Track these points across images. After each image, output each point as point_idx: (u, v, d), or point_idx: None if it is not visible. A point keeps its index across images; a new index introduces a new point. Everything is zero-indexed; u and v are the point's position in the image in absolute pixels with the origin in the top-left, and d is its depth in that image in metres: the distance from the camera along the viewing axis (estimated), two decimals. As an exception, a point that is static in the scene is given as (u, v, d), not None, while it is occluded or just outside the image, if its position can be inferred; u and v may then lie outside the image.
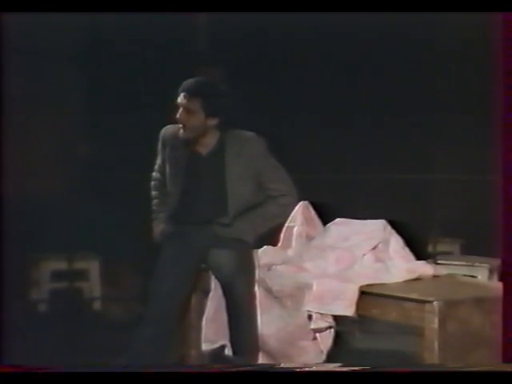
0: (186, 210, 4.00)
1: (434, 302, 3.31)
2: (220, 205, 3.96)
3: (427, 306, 3.32)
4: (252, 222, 3.96)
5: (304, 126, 5.65)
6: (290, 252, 3.98)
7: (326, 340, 3.58)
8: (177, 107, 3.93)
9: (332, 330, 3.58)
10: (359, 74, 6.11)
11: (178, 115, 3.93)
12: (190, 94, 3.91)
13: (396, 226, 3.89)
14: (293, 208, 4.05)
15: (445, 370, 3.09)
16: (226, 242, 3.89)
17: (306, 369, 3.24)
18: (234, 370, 3.18)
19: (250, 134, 4.08)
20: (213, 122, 3.93)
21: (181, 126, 3.95)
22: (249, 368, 3.29)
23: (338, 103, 6.12)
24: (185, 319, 3.91)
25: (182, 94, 3.93)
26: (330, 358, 3.58)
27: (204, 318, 3.85)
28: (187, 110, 3.91)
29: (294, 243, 4.02)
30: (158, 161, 4.14)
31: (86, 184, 5.93)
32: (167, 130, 4.09)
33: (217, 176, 3.98)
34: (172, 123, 4.04)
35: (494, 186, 3.50)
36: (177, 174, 4.03)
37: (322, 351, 3.58)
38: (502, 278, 3.20)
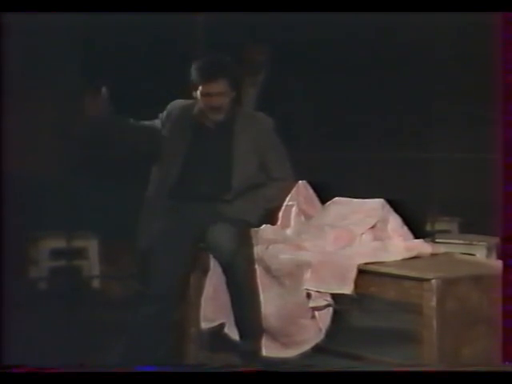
0: (187, 184, 3.98)
1: (433, 280, 3.32)
2: (222, 181, 3.96)
3: (425, 283, 3.33)
4: (253, 201, 3.96)
5: (303, 107, 5.64)
6: (289, 231, 3.99)
7: (325, 318, 3.59)
8: (205, 92, 3.91)
9: (330, 308, 3.59)
10: (359, 56, 6.12)
11: (211, 100, 3.91)
12: (219, 75, 3.90)
13: (394, 204, 3.89)
14: (288, 193, 4.04)
15: (445, 370, 3.10)
16: (226, 220, 3.88)
17: (306, 369, 3.26)
18: (233, 370, 3.20)
19: (257, 112, 4.09)
20: (230, 98, 3.94)
21: (212, 108, 3.93)
22: (249, 368, 3.31)
23: (338, 83, 6.12)
24: (185, 297, 3.92)
25: (210, 78, 3.90)
26: (329, 336, 3.60)
27: (203, 297, 3.86)
28: (220, 93, 3.90)
29: (292, 222, 4.02)
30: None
31: (86, 162, 5.93)
32: (175, 103, 4.09)
33: (222, 151, 3.97)
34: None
35: (492, 164, 3.50)
36: (180, 147, 4.01)
37: (320, 329, 3.59)
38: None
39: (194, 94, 4.01)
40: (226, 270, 3.80)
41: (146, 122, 4.18)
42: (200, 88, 3.94)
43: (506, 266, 3.15)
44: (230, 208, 3.91)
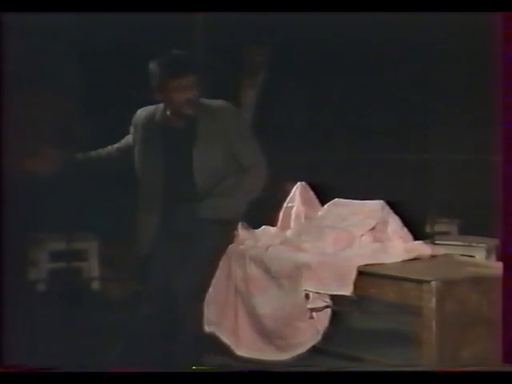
0: (165, 186, 4.01)
1: (432, 282, 3.32)
2: (195, 179, 3.97)
3: (425, 285, 3.33)
4: (230, 195, 3.95)
5: (303, 108, 5.64)
6: (289, 232, 3.99)
7: (323, 319, 3.58)
8: (177, 86, 3.94)
9: (329, 310, 3.59)
10: (360, 57, 6.12)
11: (184, 94, 3.93)
12: (186, 70, 3.93)
13: (394, 206, 3.90)
14: (264, 179, 4.04)
15: (445, 370, 3.10)
16: (201, 222, 3.88)
17: (306, 369, 3.26)
18: (232, 370, 3.20)
19: (221, 102, 4.09)
20: (197, 94, 3.97)
21: (186, 101, 3.95)
22: (249, 368, 3.30)
23: (338, 84, 6.12)
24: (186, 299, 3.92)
25: (181, 71, 3.93)
26: (328, 337, 3.60)
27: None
28: (192, 86, 3.93)
29: (292, 223, 4.03)
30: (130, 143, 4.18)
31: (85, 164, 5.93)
32: (138, 112, 4.13)
33: (190, 149, 3.98)
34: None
35: (492, 165, 3.50)
36: (152, 152, 4.05)
37: (318, 331, 3.59)
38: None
39: (157, 94, 4.02)
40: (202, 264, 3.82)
41: (118, 144, 4.25)
42: (170, 84, 3.96)
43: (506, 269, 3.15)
44: (205, 206, 3.91)
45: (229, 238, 3.91)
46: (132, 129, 4.17)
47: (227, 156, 3.97)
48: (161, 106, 4.06)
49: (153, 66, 3.98)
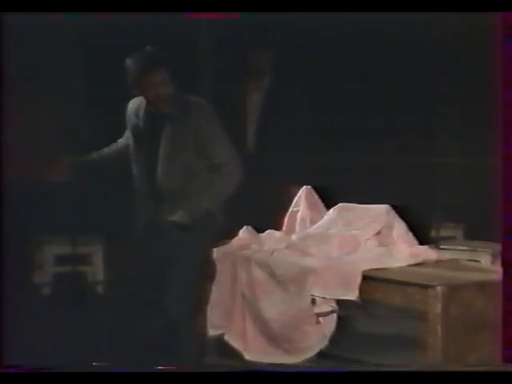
0: (145, 185, 4.04)
1: (438, 287, 3.31)
2: (167, 177, 3.99)
3: (430, 290, 3.32)
4: (197, 197, 3.95)
5: (307, 111, 5.64)
6: (294, 236, 3.99)
7: (329, 324, 3.58)
8: (149, 82, 3.96)
9: (335, 315, 3.59)
10: (363, 61, 6.12)
11: (156, 90, 3.95)
12: (158, 66, 3.96)
13: (399, 210, 3.89)
14: (236, 179, 4.03)
15: (445, 370, 3.09)
16: (171, 222, 3.90)
17: (306, 369, 3.25)
18: (232, 370, 3.19)
19: (197, 99, 4.11)
20: (171, 90, 3.98)
21: (157, 98, 3.98)
22: (249, 368, 3.30)
23: (341, 89, 6.12)
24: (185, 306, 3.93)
25: (153, 68, 3.96)
26: (333, 342, 3.60)
27: (209, 304, 3.85)
28: (163, 83, 3.95)
29: (297, 228, 4.02)
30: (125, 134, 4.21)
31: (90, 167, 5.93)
32: (131, 103, 4.17)
33: (163, 147, 4.00)
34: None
35: (497, 169, 3.50)
36: (133, 148, 4.08)
37: (325, 335, 3.59)
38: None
39: (133, 90, 4.04)
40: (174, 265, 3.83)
41: (117, 143, 4.28)
42: (143, 80, 3.97)
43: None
44: (175, 206, 3.92)
45: (202, 238, 3.92)
46: (126, 121, 4.20)
47: (199, 153, 3.98)
48: (143, 101, 4.09)
49: (127, 62, 4.02)
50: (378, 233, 3.80)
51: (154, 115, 4.04)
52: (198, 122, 3.99)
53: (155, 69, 3.97)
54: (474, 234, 5.80)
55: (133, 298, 4.26)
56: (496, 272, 3.63)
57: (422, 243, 3.83)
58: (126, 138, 4.30)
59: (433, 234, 5.64)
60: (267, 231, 3.99)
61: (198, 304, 3.85)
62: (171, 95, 3.99)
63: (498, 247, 5.05)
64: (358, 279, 3.53)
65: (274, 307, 3.71)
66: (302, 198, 4.05)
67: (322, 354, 3.63)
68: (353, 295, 3.52)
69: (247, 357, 3.70)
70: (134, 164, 4.11)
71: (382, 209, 3.86)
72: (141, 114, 4.11)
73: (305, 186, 4.08)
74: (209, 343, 3.90)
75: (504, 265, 3.19)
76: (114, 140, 4.46)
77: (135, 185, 4.17)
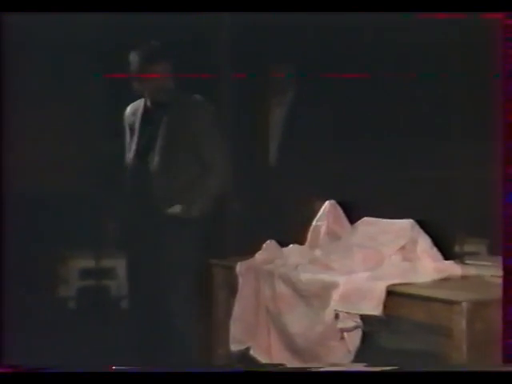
0: (143, 185, 4.08)
1: (463, 303, 3.29)
2: (164, 176, 4.03)
3: (455, 306, 3.30)
4: (187, 196, 3.97)
5: (331, 125, 5.64)
6: (317, 251, 3.97)
7: (354, 340, 3.57)
8: (148, 72, 4.02)
9: (359, 330, 3.57)
10: (381, 73, 6.11)
11: (156, 81, 4.00)
12: (161, 57, 4.01)
13: (424, 225, 3.87)
14: (224, 182, 4.06)
15: (445, 370, 3.07)
16: (164, 221, 3.93)
17: (306, 369, 3.24)
18: (233, 370, 3.17)
19: (197, 97, 4.16)
20: (173, 84, 4.04)
21: (157, 89, 4.02)
22: (249, 368, 3.28)
23: (362, 103, 6.12)
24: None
25: (154, 59, 4.02)
26: (358, 358, 3.58)
27: (232, 318, 3.85)
28: (165, 73, 4.00)
29: (321, 242, 4.01)
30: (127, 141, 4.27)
31: (112, 181, 5.96)
32: (129, 108, 4.23)
33: (159, 143, 4.05)
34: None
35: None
36: (132, 149, 4.13)
37: (349, 351, 3.57)
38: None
39: (135, 82, 4.09)
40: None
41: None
42: (146, 70, 4.04)
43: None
44: (167, 205, 3.96)
45: (191, 237, 3.96)
46: (125, 126, 4.27)
47: (193, 151, 4.02)
48: (143, 100, 4.15)
49: (131, 54, 4.09)
50: (403, 248, 3.78)
51: (152, 113, 4.12)
52: (196, 120, 4.06)
53: (159, 59, 4.07)
54: (500, 249, 5.76)
55: (151, 308, 4.28)
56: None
57: (446, 258, 3.80)
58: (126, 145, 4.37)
59: (458, 249, 5.61)
60: (290, 245, 3.98)
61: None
62: (172, 88, 4.07)
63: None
64: (383, 294, 3.51)
65: (298, 322, 3.69)
66: (326, 212, 4.04)
67: (345, 370, 3.61)
68: (377, 310, 3.50)
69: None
70: (130, 160, 4.16)
71: (407, 223, 3.84)
72: (139, 113, 4.20)
73: (329, 200, 4.07)
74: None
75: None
76: (115, 139, 4.56)
77: (132, 181, 4.23)
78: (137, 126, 4.18)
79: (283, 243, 4.03)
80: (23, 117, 5.58)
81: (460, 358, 3.27)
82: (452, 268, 3.72)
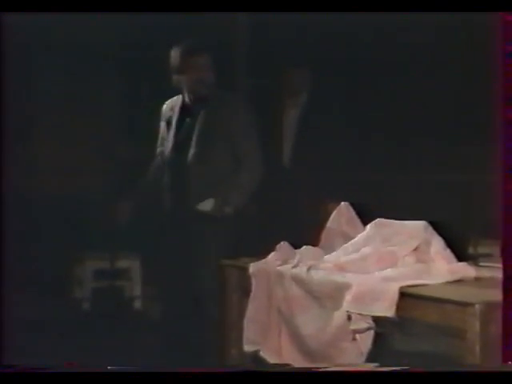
0: (174, 180, 4.10)
1: (476, 305, 3.28)
2: (199, 174, 4.06)
3: (469, 308, 3.29)
4: (221, 191, 3.99)
5: (345, 127, 5.64)
6: (330, 252, 3.98)
7: (366, 341, 3.56)
8: (192, 64, 4.04)
9: (372, 331, 3.57)
10: (394, 75, 6.10)
11: (198, 73, 4.03)
12: (203, 49, 4.06)
13: (437, 226, 3.86)
14: (258, 178, 4.07)
15: (445, 370, 3.06)
16: (196, 217, 3.95)
17: (306, 369, 3.24)
18: (233, 370, 3.17)
19: (236, 95, 4.19)
20: (213, 76, 4.08)
21: (199, 80, 4.05)
22: (249, 368, 3.28)
23: (375, 104, 6.11)
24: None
25: (196, 50, 4.06)
26: (370, 359, 3.57)
27: (245, 319, 3.86)
28: (206, 65, 4.04)
29: (334, 244, 4.01)
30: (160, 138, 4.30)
31: (127, 183, 5.98)
32: (167, 103, 4.26)
33: (200, 141, 4.09)
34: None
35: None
36: (167, 146, 4.16)
37: (361, 352, 3.57)
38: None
39: (175, 75, 4.12)
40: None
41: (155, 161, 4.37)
42: (187, 62, 4.07)
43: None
44: (200, 200, 3.98)
45: (218, 233, 3.98)
46: (162, 124, 4.30)
47: (227, 147, 4.05)
48: (181, 96, 4.18)
49: (173, 50, 4.13)
50: (416, 249, 3.78)
51: (190, 107, 4.16)
52: (234, 117, 4.09)
53: (200, 51, 4.12)
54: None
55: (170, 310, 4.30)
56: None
57: (460, 260, 3.79)
58: (161, 140, 4.41)
59: (471, 250, 5.59)
60: (304, 247, 3.99)
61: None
62: (212, 82, 4.11)
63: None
64: (396, 296, 3.50)
65: (310, 323, 3.69)
66: (339, 214, 4.04)
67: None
68: (390, 312, 3.50)
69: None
70: (165, 155, 4.20)
71: (420, 225, 3.83)
72: (177, 108, 4.23)
73: (342, 202, 4.07)
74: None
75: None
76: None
77: (164, 176, 4.27)
78: (174, 120, 4.22)
79: (296, 245, 4.03)
80: (23, 117, 5.61)
81: (473, 359, 3.26)
82: (465, 270, 3.71)
